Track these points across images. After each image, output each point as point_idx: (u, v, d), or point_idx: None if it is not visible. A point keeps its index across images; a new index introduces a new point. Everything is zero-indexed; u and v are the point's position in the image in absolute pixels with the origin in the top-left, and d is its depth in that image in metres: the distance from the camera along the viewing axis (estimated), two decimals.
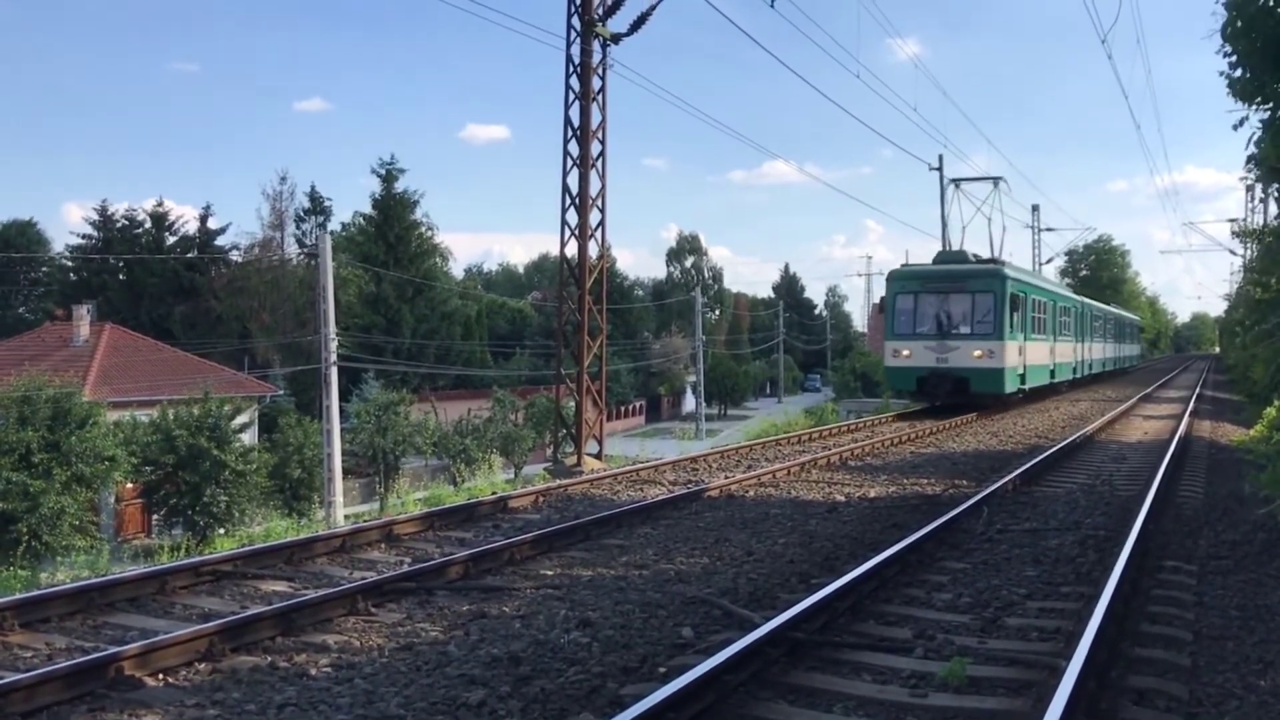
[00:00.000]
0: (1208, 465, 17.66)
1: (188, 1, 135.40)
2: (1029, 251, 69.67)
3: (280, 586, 8.71)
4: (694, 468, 16.54)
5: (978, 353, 25.69)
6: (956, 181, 31.81)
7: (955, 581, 8.74)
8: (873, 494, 13.72)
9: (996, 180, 31.67)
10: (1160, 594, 8.35)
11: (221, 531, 29.46)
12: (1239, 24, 10.54)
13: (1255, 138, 11.43)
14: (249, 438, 35.47)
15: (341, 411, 33.42)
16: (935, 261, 28.52)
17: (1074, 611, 7.65)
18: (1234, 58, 10.94)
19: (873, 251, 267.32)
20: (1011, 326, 26.27)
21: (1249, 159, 12.91)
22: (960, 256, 28.47)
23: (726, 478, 14.73)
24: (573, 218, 20.14)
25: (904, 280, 27.47)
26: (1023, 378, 28.04)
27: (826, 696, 6.03)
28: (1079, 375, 40.01)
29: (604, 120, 20.04)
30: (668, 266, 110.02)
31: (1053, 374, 33.35)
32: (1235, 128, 11.97)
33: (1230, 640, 7.24)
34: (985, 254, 30.85)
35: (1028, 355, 28.49)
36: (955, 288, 26.45)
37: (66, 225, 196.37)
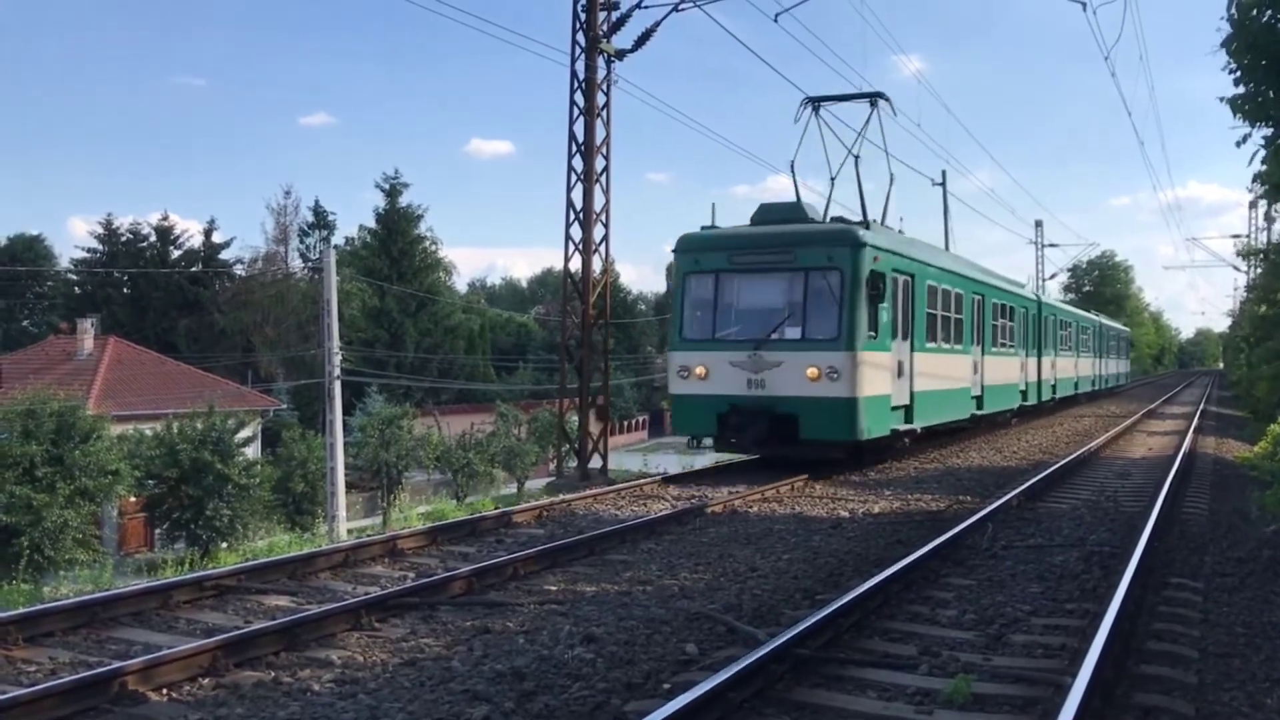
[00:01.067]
0: (1212, 482, 17.63)
1: (194, 16, 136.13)
2: (1032, 268, 69.70)
3: (283, 601, 8.69)
4: (697, 483, 16.51)
5: (811, 371, 15.73)
6: (815, 103, 19.25)
7: (960, 598, 8.71)
8: (877, 509, 13.70)
9: (874, 100, 19.24)
10: (1166, 611, 8.32)
11: (224, 546, 29.46)
12: (1242, 41, 10.59)
13: (1260, 156, 11.46)
14: (252, 452, 35.50)
15: (345, 426, 33.44)
16: (754, 221, 17.93)
17: (1079, 628, 7.63)
18: (1238, 74, 10.99)
19: None
20: (874, 327, 16.34)
21: (1255, 177, 12.94)
22: (792, 212, 17.68)
23: (730, 493, 14.70)
24: (576, 233, 20.18)
25: (699, 252, 17.28)
26: (907, 412, 18.16)
27: (831, 713, 6.01)
28: (1032, 401, 29.96)
29: (608, 135, 20.10)
30: (668, 281, 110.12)
31: (980, 402, 23.24)
32: (1238, 144, 12.01)
33: (1236, 658, 7.21)
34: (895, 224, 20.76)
35: (918, 376, 18.49)
36: (778, 263, 16.54)
37: (71, 239, 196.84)
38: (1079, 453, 20.45)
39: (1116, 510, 13.69)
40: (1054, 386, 33.45)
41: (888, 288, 16.82)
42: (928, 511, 13.64)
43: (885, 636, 7.55)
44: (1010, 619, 8.00)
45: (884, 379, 16.90)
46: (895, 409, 17.55)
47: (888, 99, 19.22)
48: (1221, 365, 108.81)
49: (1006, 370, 26.19)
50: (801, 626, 6.92)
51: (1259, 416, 29.08)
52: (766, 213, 17.90)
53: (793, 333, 16.29)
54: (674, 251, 17.78)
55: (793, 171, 19.85)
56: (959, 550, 10.60)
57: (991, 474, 17.95)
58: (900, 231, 20.77)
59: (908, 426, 18.24)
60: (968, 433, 24.51)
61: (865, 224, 17.09)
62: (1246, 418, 35.40)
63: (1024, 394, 28.72)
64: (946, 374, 20.61)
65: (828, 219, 18.02)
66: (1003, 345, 25.80)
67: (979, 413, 23.34)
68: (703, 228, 17.93)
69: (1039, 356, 30.63)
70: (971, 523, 11.67)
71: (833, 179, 19.97)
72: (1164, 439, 25.98)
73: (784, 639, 6.63)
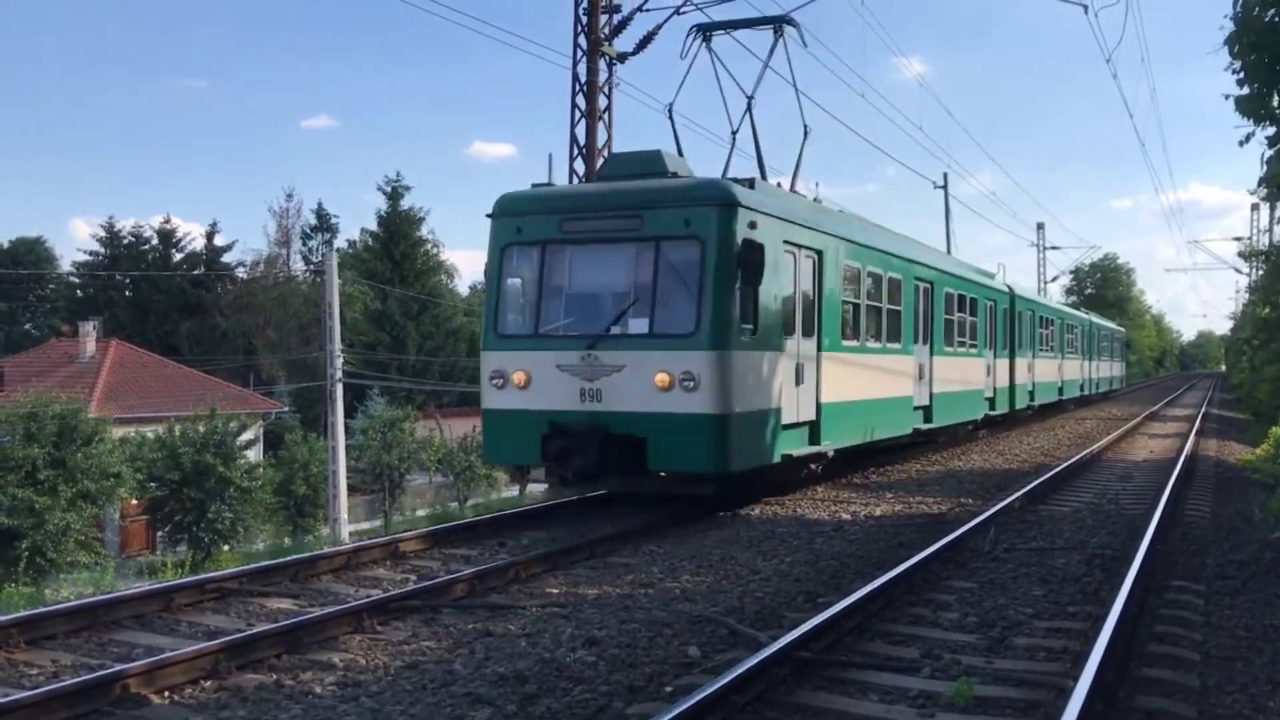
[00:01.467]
0: (1214, 484, 17.61)
1: (197, 18, 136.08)
2: (1034, 270, 69.71)
3: (285, 604, 8.70)
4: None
5: (661, 378, 11.78)
6: (705, 31, 15.75)
7: (962, 601, 8.71)
8: (879, 512, 13.69)
9: (779, 25, 15.61)
10: (1168, 614, 8.31)
11: (226, 548, 29.49)
12: (1246, 40, 10.62)
13: (1266, 156, 11.49)
14: (254, 454, 35.55)
15: (346, 428, 33.45)
16: (601, 175, 14.09)
17: (1081, 631, 7.63)
18: (1241, 73, 11.03)
19: None
20: (753, 318, 12.35)
21: (1260, 181, 12.96)
22: (649, 164, 13.30)
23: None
24: None
25: (522, 217, 13.08)
26: (811, 431, 14.12)
27: (833, 716, 6.01)
28: (1002, 409, 25.80)
29: (610, 138, 20.12)
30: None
31: (928, 414, 19.31)
32: (1241, 144, 12.06)
33: (1239, 661, 7.21)
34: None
35: (828, 383, 14.41)
36: (621, 230, 12.48)
37: (74, 241, 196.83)
38: (1081, 455, 20.43)
39: (1118, 513, 13.68)
40: (1031, 392, 29.35)
41: (775, 265, 12.64)
42: (929, 514, 13.64)
43: (887, 639, 7.55)
44: (1012, 622, 8.00)
45: (769, 388, 12.76)
46: (791, 427, 13.42)
47: (797, 24, 15.70)
48: (1223, 368, 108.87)
49: (966, 374, 22.15)
50: (803, 629, 6.92)
51: (1261, 419, 29.13)
52: (617, 165, 13.68)
53: (638, 325, 12.17)
54: (490, 217, 13.25)
55: (669, 116, 15.65)
56: (961, 553, 10.60)
57: (993, 476, 17.94)
58: (817, 199, 16.60)
59: (812, 449, 14.10)
60: (970, 435, 24.45)
61: (748, 181, 12.98)
62: (1249, 420, 35.46)
63: (991, 401, 24.73)
64: (873, 380, 16.32)
65: (674, 170, 13.26)
66: (961, 344, 21.70)
67: (926, 426, 19.30)
68: (534, 185, 13.76)
69: (1011, 358, 26.61)
70: (973, 525, 11.66)
71: (734, 132, 16.05)
72: (1166, 441, 25.96)
73: (786, 642, 6.63)
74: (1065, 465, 18.38)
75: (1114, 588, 8.53)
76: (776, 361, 12.98)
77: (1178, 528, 12.58)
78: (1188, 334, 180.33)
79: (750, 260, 12.00)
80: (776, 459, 13.05)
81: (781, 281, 13.11)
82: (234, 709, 6.10)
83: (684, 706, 5.42)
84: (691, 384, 11.66)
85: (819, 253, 14.21)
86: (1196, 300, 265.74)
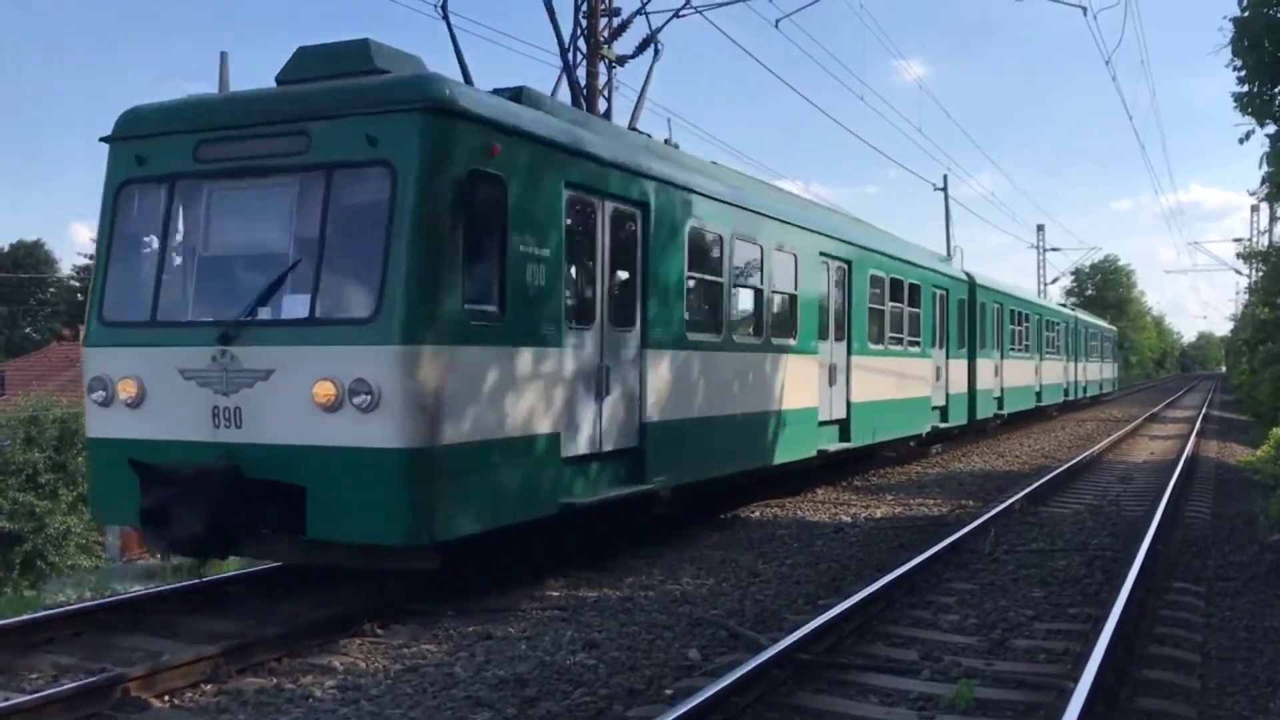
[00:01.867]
0: (1215, 486, 17.60)
1: (196, 19, 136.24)
2: (1034, 271, 69.72)
3: (286, 607, 8.69)
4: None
5: (323, 390, 7.36)
6: None
7: (962, 603, 8.71)
8: (879, 514, 13.69)
9: None
10: (1168, 615, 8.31)
11: None
12: (1246, 40, 10.67)
13: (1266, 155, 11.55)
14: None
15: None
16: (281, 78, 8.70)
17: (1081, 633, 7.62)
18: (1242, 72, 11.08)
19: None
20: (497, 296, 8.09)
21: (1263, 179, 12.99)
22: (349, 59, 8.41)
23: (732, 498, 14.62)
24: None
25: (144, 141, 8.49)
26: (630, 463, 9.98)
27: (833, 718, 6.01)
28: (957, 420, 21.59)
29: None
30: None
31: (845, 429, 15.49)
32: (1241, 141, 12.12)
33: (1239, 662, 7.21)
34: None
35: (660, 391, 10.29)
36: (276, 157, 8.01)
37: (74, 245, 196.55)
38: (1081, 456, 20.44)
39: (1119, 514, 13.69)
40: (999, 399, 25.17)
41: (546, 216, 8.68)
42: (930, 516, 13.65)
43: (887, 641, 7.55)
44: (1013, 623, 8.00)
45: (530, 404, 8.47)
46: (584, 461, 9.32)
47: None
48: (1224, 369, 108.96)
49: (902, 378, 17.89)
50: (803, 631, 6.93)
51: (1261, 420, 29.10)
52: (303, 63, 8.75)
53: (296, 307, 7.87)
54: (106, 141, 8.86)
55: (444, 13, 10.94)
56: (961, 555, 10.60)
57: (994, 478, 17.95)
58: (669, 142, 12.71)
59: (632, 489, 9.88)
60: (970, 437, 24.38)
61: (513, 91, 9.18)
62: (1249, 421, 35.41)
63: (941, 411, 20.56)
64: (747, 388, 12.25)
65: (382, 65, 8.49)
66: (895, 341, 17.66)
67: (839, 446, 15.29)
68: (188, 95, 9.07)
69: (971, 358, 22.47)
70: (974, 527, 11.68)
71: (564, 51, 12.83)
72: (1166, 443, 25.97)
73: (786, 644, 6.64)
74: (1066, 467, 18.39)
75: (1114, 589, 8.53)
76: (549, 363, 8.70)
77: (1178, 529, 12.58)
78: (1188, 335, 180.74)
79: (484, 202, 7.93)
80: (551, 510, 8.80)
81: (564, 243, 8.90)
82: (234, 712, 6.10)
83: (684, 709, 5.43)
84: (367, 399, 7.33)
85: (643, 206, 10.10)
86: (1197, 301, 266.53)
